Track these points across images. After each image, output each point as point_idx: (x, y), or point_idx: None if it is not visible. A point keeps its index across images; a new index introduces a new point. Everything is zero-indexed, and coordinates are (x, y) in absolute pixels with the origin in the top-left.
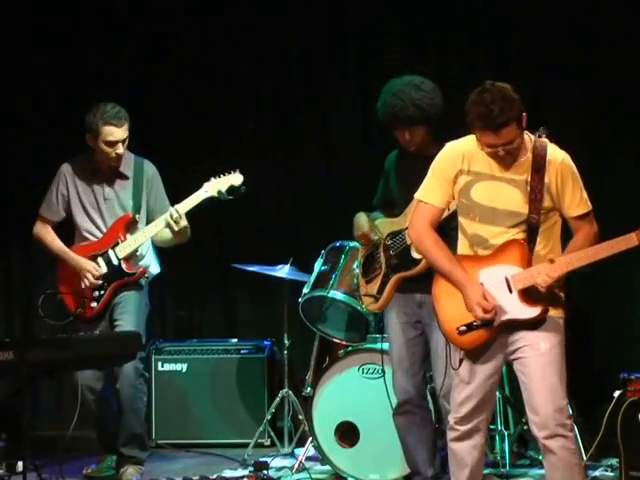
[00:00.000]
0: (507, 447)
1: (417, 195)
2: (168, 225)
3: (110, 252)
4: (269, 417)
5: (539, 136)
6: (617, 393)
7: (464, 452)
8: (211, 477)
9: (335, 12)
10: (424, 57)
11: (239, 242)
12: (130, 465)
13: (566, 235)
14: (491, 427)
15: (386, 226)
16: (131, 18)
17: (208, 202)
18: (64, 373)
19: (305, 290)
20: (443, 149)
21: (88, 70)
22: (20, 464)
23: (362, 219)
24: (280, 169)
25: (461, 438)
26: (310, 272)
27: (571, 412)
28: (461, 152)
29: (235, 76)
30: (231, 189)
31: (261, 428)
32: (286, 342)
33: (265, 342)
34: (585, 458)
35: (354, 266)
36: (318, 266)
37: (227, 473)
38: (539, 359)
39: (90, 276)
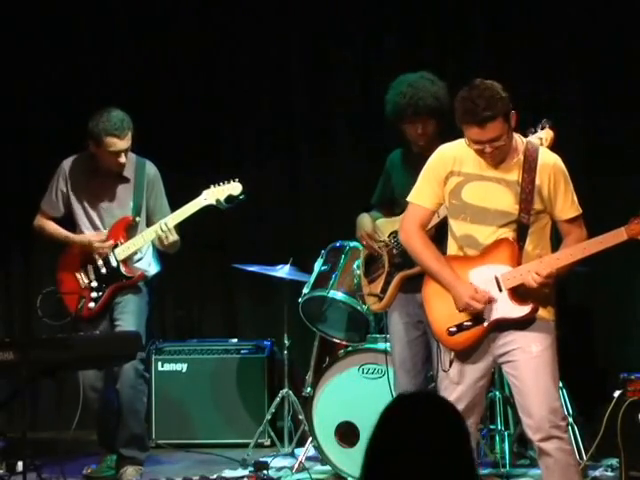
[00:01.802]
0: (507, 447)
1: (408, 197)
2: (158, 238)
3: (109, 253)
4: (269, 417)
5: (542, 127)
6: (617, 393)
7: None
8: (211, 477)
9: (335, 11)
10: (423, 58)
11: (239, 242)
12: (129, 465)
13: (557, 237)
14: (491, 427)
15: (387, 226)
16: (131, 16)
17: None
18: (64, 373)
19: (305, 290)
20: (435, 152)
21: (87, 70)
22: (20, 464)
23: (365, 219)
24: (280, 169)
25: None
26: (310, 272)
27: (571, 412)
28: (452, 154)
29: (235, 75)
30: (230, 198)
31: (261, 428)
32: (286, 342)
33: (265, 342)
34: (585, 458)
35: (354, 266)
36: (318, 266)
37: (227, 473)
38: (531, 362)
39: (99, 245)
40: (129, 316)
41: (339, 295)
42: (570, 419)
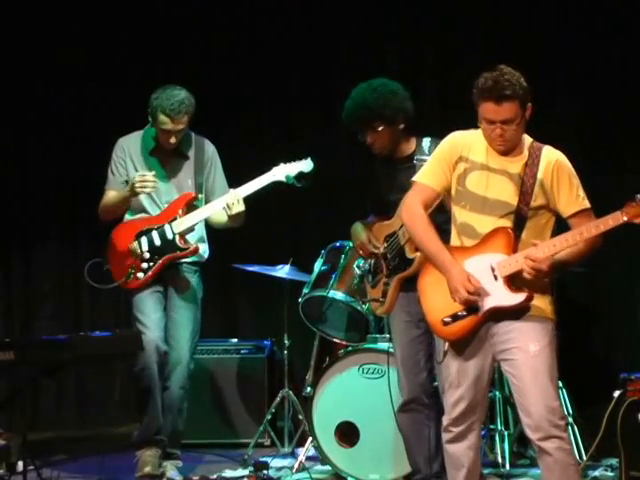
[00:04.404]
0: (507, 447)
1: (415, 177)
2: (227, 206)
3: (166, 226)
4: (269, 417)
5: None
6: (617, 393)
7: (460, 453)
8: (211, 477)
9: (335, 16)
10: (423, 58)
11: (239, 242)
12: (170, 461)
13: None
14: (491, 427)
15: (382, 230)
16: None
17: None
18: (64, 373)
19: (305, 290)
20: (448, 136)
21: (91, 66)
22: (20, 464)
23: (358, 229)
24: None
25: (456, 439)
26: (310, 272)
27: (571, 412)
28: (463, 140)
29: (235, 78)
30: (300, 175)
31: (261, 428)
32: (286, 342)
33: (265, 342)
34: (585, 458)
35: (354, 266)
36: (318, 266)
37: (227, 473)
38: (529, 361)
39: (140, 178)
40: (185, 311)
41: (339, 295)
42: (570, 419)
